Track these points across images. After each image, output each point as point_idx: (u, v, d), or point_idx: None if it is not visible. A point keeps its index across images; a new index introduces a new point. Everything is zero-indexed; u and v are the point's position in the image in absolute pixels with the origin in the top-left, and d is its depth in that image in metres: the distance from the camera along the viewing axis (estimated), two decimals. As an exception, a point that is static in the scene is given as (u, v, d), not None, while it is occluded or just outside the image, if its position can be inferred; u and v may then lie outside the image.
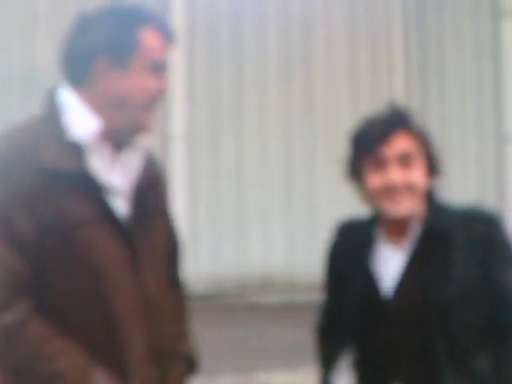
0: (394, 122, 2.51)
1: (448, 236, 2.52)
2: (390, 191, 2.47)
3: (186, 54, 9.87)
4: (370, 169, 2.51)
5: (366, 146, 2.51)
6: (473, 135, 11.09)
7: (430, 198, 2.59)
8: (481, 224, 2.55)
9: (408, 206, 2.48)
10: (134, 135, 2.37)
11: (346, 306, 2.60)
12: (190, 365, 2.55)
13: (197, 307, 10.01)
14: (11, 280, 2.17)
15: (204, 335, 7.58)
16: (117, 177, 2.33)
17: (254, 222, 10.07)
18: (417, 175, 2.48)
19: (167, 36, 2.36)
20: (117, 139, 2.34)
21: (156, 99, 2.35)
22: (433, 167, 2.55)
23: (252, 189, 10.14)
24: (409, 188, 2.47)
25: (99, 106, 2.32)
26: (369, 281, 2.57)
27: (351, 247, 2.64)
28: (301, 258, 9.87)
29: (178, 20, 9.85)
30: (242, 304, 9.47)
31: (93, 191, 2.25)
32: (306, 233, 10.01)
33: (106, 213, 2.27)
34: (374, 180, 2.49)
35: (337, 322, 2.66)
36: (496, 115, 11.32)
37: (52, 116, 2.32)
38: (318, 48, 10.52)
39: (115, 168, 2.34)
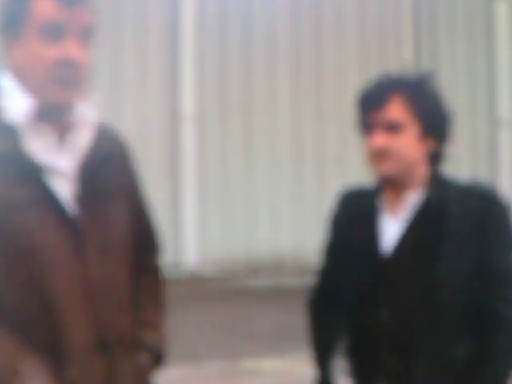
0: (388, 88, 2.55)
1: (445, 209, 2.53)
2: (374, 154, 2.55)
3: (196, 34, 9.88)
4: (366, 133, 2.60)
5: (362, 112, 2.60)
6: (466, 118, 11.07)
7: (434, 167, 2.61)
8: (480, 200, 2.55)
9: (388, 169, 2.53)
10: (60, 112, 2.24)
11: (343, 268, 2.63)
12: (155, 356, 2.43)
13: (206, 290, 9.93)
14: None
15: (213, 317, 7.67)
16: (62, 158, 2.24)
17: (264, 205, 10.08)
18: (402, 142, 2.52)
19: (64, 0, 2.18)
20: (53, 118, 2.23)
21: (59, 68, 2.16)
22: (427, 131, 2.55)
23: (261, 170, 10.15)
24: (389, 153, 2.52)
25: (20, 83, 2.24)
26: (368, 246, 2.59)
27: (354, 215, 2.68)
28: (310, 241, 9.63)
29: (187, 6, 9.85)
30: (251, 287, 9.44)
31: (29, 173, 2.18)
32: (315, 216, 9.83)
33: (44, 194, 2.19)
34: (367, 143, 2.58)
35: (332, 297, 2.68)
36: (489, 98, 11.30)
37: None
38: (328, 26, 10.52)
39: (61, 149, 2.25)
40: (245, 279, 9.62)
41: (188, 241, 9.77)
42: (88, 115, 2.32)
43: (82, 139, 2.29)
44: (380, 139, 2.52)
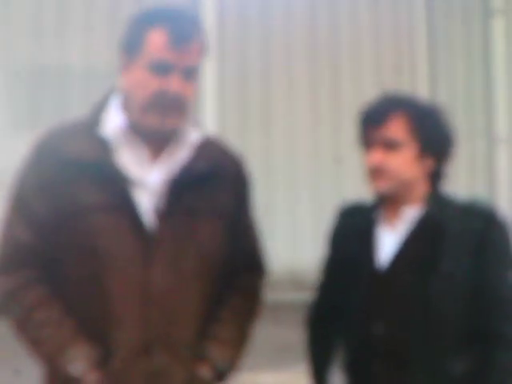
0: (389, 106, 2.58)
1: (443, 227, 2.54)
2: (370, 171, 2.59)
3: (217, 51, 9.89)
4: (364, 149, 2.64)
5: (362, 128, 2.63)
6: (463, 135, 11.06)
7: (433, 185, 2.63)
8: (478, 219, 2.56)
9: (382, 187, 2.57)
10: (152, 135, 2.39)
11: (340, 282, 2.65)
12: (218, 372, 2.45)
13: None
14: (19, 251, 2.37)
15: None
16: (152, 172, 2.38)
17: (283, 217, 10.17)
18: (399, 161, 2.54)
19: (175, 37, 2.34)
20: (148, 135, 2.39)
21: (158, 99, 2.34)
22: (426, 150, 2.57)
23: (280, 182, 10.24)
24: (385, 171, 2.55)
25: (124, 102, 2.44)
26: (365, 260, 2.61)
27: (351, 230, 2.70)
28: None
29: (208, 20, 9.91)
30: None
31: (113, 182, 2.34)
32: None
33: (122, 203, 2.33)
34: (365, 159, 2.62)
35: (330, 312, 2.68)
36: (486, 116, 11.32)
37: (94, 113, 2.46)
38: (344, 37, 10.58)
39: (154, 164, 2.40)
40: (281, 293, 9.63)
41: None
42: (189, 136, 2.45)
43: (178, 157, 2.42)
44: (377, 157, 2.55)
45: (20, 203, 2.41)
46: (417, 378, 2.51)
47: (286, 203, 10.23)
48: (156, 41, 2.35)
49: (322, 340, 2.77)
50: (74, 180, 2.34)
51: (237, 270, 2.56)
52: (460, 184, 10.71)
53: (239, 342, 2.53)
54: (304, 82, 10.39)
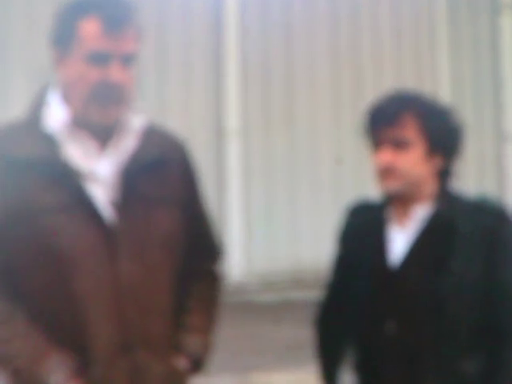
0: (399, 106, 2.56)
1: (454, 224, 2.53)
2: (380, 171, 2.59)
3: (239, 52, 10.08)
4: (374, 148, 2.63)
5: (371, 127, 2.62)
6: (472, 133, 11.06)
7: (442, 183, 2.62)
8: (489, 217, 2.54)
9: (392, 187, 2.56)
10: (97, 126, 2.32)
11: (350, 281, 2.63)
12: (195, 361, 2.44)
13: (248, 302, 9.78)
14: None
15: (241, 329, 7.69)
16: (102, 164, 2.32)
17: (307, 217, 10.16)
18: (408, 160, 2.54)
19: (109, 24, 2.27)
20: (93, 127, 2.32)
21: (100, 90, 2.28)
22: (435, 148, 2.56)
23: (304, 183, 10.25)
24: (394, 171, 2.54)
25: (63, 96, 2.36)
26: (376, 258, 2.60)
27: (362, 228, 2.69)
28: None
29: (231, 19, 10.06)
30: (294, 300, 9.44)
31: (65, 178, 2.25)
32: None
33: (79, 199, 2.25)
34: (374, 159, 2.62)
35: (339, 311, 2.68)
36: (495, 113, 11.32)
37: (33, 110, 2.37)
38: (366, 41, 10.64)
39: (102, 155, 2.33)
40: (287, 291, 9.67)
41: (233, 253, 9.90)
42: (133, 123, 2.40)
43: (124, 146, 2.36)
44: (386, 156, 2.54)
45: None
46: (428, 377, 2.49)
47: (309, 202, 10.25)
48: (90, 30, 2.27)
49: (331, 339, 2.75)
50: (23, 181, 2.24)
51: (195, 256, 2.51)
52: (469, 180, 10.74)
53: (210, 328, 2.50)
54: (326, 83, 10.41)
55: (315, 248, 9.96)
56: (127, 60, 2.31)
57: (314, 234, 10.14)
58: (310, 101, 10.30)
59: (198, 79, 10.01)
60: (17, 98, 8.74)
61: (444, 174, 2.62)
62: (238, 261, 9.98)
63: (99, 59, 2.27)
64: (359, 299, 2.60)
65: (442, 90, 10.76)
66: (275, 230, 10.20)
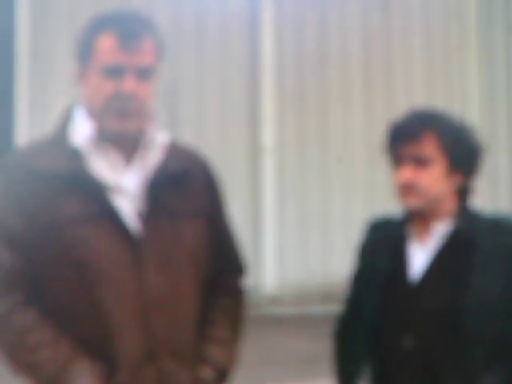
0: (420, 123, 2.56)
1: (474, 242, 2.54)
2: (400, 188, 2.59)
3: (275, 71, 10.26)
4: (394, 164, 2.64)
5: (392, 144, 2.63)
6: (505, 150, 11.06)
7: (462, 200, 2.63)
8: (508, 235, 2.56)
9: (413, 204, 2.57)
10: (116, 138, 2.36)
11: (369, 296, 2.63)
12: (219, 372, 2.43)
13: (280, 314, 9.73)
14: (3, 276, 2.27)
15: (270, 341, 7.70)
16: (128, 177, 2.35)
17: (339, 231, 10.22)
18: (429, 177, 2.54)
19: (122, 37, 2.30)
20: (118, 141, 2.36)
21: (114, 101, 2.31)
22: (455, 166, 2.57)
23: (337, 198, 10.35)
24: (415, 188, 2.55)
25: (87, 111, 2.41)
26: (395, 273, 2.61)
27: (381, 243, 2.70)
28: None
29: (267, 39, 10.25)
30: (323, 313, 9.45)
31: (91, 191, 2.28)
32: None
33: (105, 211, 2.28)
34: (395, 175, 2.62)
35: (358, 325, 2.66)
36: (508, 129, 11.22)
37: (60, 126, 2.42)
38: (397, 56, 10.72)
39: (127, 168, 2.37)
40: (319, 305, 9.71)
41: (267, 266, 10.04)
42: (157, 138, 2.42)
43: (150, 159, 2.39)
44: (407, 173, 2.55)
45: None
46: None
47: (342, 216, 10.31)
48: (105, 45, 2.32)
49: (349, 353, 2.74)
50: (50, 194, 2.27)
51: (220, 271, 2.54)
52: (483, 198, 10.65)
53: (235, 341, 2.51)
54: (359, 100, 10.51)
55: (347, 262, 10.02)
56: (142, 73, 2.34)
57: (347, 248, 10.15)
58: (344, 119, 10.40)
59: (236, 99, 10.19)
60: (58, 109, 8.87)
61: (463, 192, 2.63)
62: (272, 273, 10.07)
63: (113, 72, 2.31)
64: (377, 313, 2.60)
65: (471, 105, 10.73)
66: (308, 243, 10.28)
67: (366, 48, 10.59)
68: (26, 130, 9.35)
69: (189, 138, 9.44)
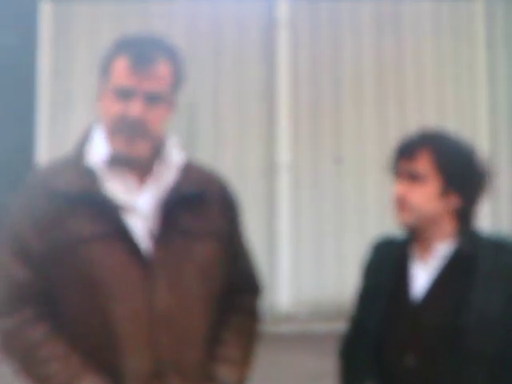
0: (419, 141, 2.60)
1: (475, 262, 2.54)
2: (394, 203, 2.62)
3: (290, 90, 10.34)
4: (394, 180, 2.67)
5: (393, 160, 2.67)
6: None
7: (461, 222, 2.63)
8: (509, 255, 2.56)
9: (405, 219, 2.60)
10: (125, 161, 2.38)
11: (373, 314, 2.65)
12: None
13: (295, 331, 9.66)
14: (16, 290, 2.31)
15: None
16: (142, 197, 2.38)
17: (353, 248, 10.18)
18: (418, 194, 2.56)
19: (134, 61, 2.33)
20: (130, 162, 2.39)
21: (120, 124, 2.35)
22: (450, 186, 2.56)
23: (351, 216, 10.39)
24: (407, 204, 2.58)
25: (104, 131, 2.45)
26: (398, 292, 2.63)
27: (385, 263, 2.72)
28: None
29: (283, 59, 10.33)
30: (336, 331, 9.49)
31: (105, 211, 2.31)
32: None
33: (118, 230, 2.31)
34: (392, 190, 2.65)
35: (362, 343, 2.67)
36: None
37: (78, 146, 2.46)
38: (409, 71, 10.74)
39: (141, 189, 2.40)
40: (333, 322, 9.74)
41: (282, 282, 10.08)
42: (172, 158, 2.45)
43: (164, 180, 2.41)
44: (401, 188, 2.58)
45: (14, 241, 2.35)
46: None
47: (357, 233, 10.27)
48: (119, 67, 2.35)
49: (353, 370, 2.74)
50: (65, 213, 2.31)
51: (235, 290, 2.55)
52: (484, 218, 10.60)
53: (245, 362, 2.51)
54: (373, 119, 10.55)
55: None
56: (152, 98, 2.36)
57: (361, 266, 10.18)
58: (357, 138, 10.47)
59: (252, 117, 10.31)
60: (78, 126, 9.00)
61: (462, 213, 2.62)
62: (287, 290, 10.10)
63: (123, 94, 2.34)
64: (380, 331, 2.61)
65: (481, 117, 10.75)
66: (323, 260, 10.32)
67: (379, 67, 10.65)
68: (46, 147, 9.45)
69: (206, 155, 9.55)
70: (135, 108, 2.33)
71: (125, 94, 2.34)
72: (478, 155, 2.65)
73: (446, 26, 10.88)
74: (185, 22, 10.09)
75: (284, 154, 10.27)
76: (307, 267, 10.27)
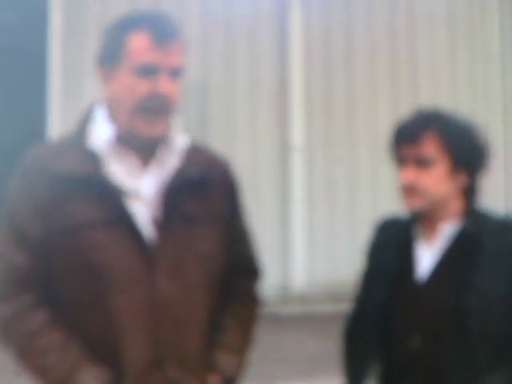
0: (421, 124, 2.55)
1: (479, 242, 2.52)
2: (403, 189, 2.59)
3: (304, 72, 10.33)
4: (397, 165, 2.64)
5: (395, 145, 2.63)
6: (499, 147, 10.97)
7: (468, 199, 2.61)
8: None
9: (415, 205, 2.56)
10: (143, 141, 2.33)
11: (377, 295, 2.63)
12: (228, 380, 2.41)
13: (310, 312, 9.75)
14: (15, 275, 2.25)
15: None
16: (144, 181, 2.32)
17: (367, 230, 10.22)
18: (431, 178, 2.52)
19: (157, 37, 2.27)
20: (137, 144, 2.34)
21: (149, 101, 2.28)
22: (458, 166, 2.54)
23: (365, 196, 10.43)
24: (417, 189, 2.54)
25: (109, 113, 2.37)
26: (402, 273, 2.60)
27: (389, 244, 2.69)
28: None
29: (295, 41, 10.29)
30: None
31: (106, 195, 2.25)
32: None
33: (119, 215, 2.25)
34: (398, 176, 2.62)
35: (366, 324, 2.66)
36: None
37: (79, 127, 2.38)
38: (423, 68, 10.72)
39: (144, 172, 2.34)
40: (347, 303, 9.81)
41: (296, 265, 10.09)
42: (176, 142, 2.39)
43: (168, 164, 2.36)
44: (409, 174, 2.53)
45: (12, 226, 2.28)
46: None
47: (370, 215, 10.30)
48: (139, 43, 2.27)
49: (357, 353, 2.72)
50: (66, 196, 2.24)
51: (234, 274, 2.51)
52: (497, 197, 10.58)
53: (245, 348, 2.48)
54: (385, 102, 10.56)
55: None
56: (175, 73, 2.31)
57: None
58: (370, 119, 10.46)
59: (264, 100, 10.31)
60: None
61: (469, 191, 2.61)
62: (301, 272, 10.12)
63: (148, 71, 2.27)
64: (385, 312, 2.59)
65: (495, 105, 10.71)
66: (337, 242, 10.34)
67: (392, 49, 10.64)
68: (58, 131, 9.46)
69: (219, 140, 9.55)
70: (165, 84, 2.27)
71: (150, 71, 2.27)
72: (479, 129, 2.62)
73: (459, 8, 10.84)
74: (198, 7, 10.08)
75: (297, 138, 10.25)
76: (321, 249, 10.29)
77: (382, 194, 10.34)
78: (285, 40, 10.28)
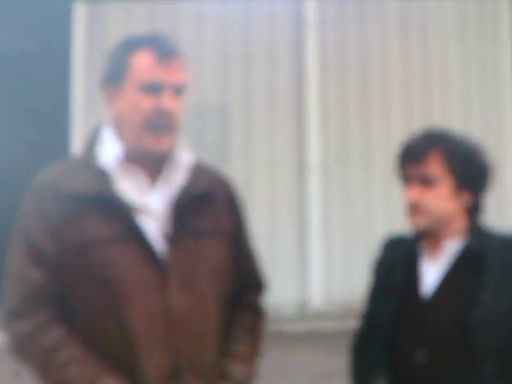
0: (427, 143, 2.58)
1: (483, 259, 2.55)
2: (408, 207, 2.64)
3: (320, 93, 10.40)
4: (403, 183, 2.68)
5: (401, 163, 2.67)
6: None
7: (472, 218, 2.64)
8: None
9: (420, 223, 2.60)
10: (150, 157, 2.38)
11: (384, 311, 2.66)
12: None
13: (325, 329, 9.71)
14: (31, 292, 2.29)
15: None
16: (153, 197, 2.37)
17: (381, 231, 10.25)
18: (435, 197, 2.56)
19: (161, 55, 2.33)
20: (145, 161, 2.39)
21: (154, 118, 2.33)
22: (463, 185, 2.57)
23: (380, 216, 10.46)
24: (422, 208, 2.58)
25: (116, 132, 2.43)
26: (408, 289, 2.64)
27: (395, 260, 2.74)
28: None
29: (311, 62, 10.42)
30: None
31: (118, 212, 2.30)
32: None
33: (131, 232, 2.30)
34: (404, 195, 2.67)
35: (373, 340, 2.69)
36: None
37: (88, 147, 2.44)
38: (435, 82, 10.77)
39: (153, 188, 2.40)
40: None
41: (314, 283, 10.15)
42: (181, 159, 2.45)
43: (175, 180, 2.41)
44: (414, 193, 2.58)
45: (26, 244, 2.32)
46: None
47: (385, 233, 10.31)
48: (143, 62, 2.34)
49: (364, 367, 2.75)
50: (78, 214, 2.29)
51: (241, 288, 2.58)
52: (491, 215, 10.45)
53: (254, 358, 2.55)
54: (399, 121, 10.57)
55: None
56: (178, 90, 2.37)
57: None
58: (385, 140, 10.49)
59: (282, 121, 10.39)
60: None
61: (473, 210, 2.64)
62: (318, 289, 10.19)
63: (153, 88, 2.33)
64: (392, 328, 2.62)
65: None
66: (353, 259, 10.36)
67: (405, 65, 10.68)
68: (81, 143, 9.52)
69: (237, 156, 9.67)
70: (168, 101, 2.34)
71: (154, 88, 2.33)
72: (483, 149, 2.66)
73: (471, 23, 10.87)
74: (215, 22, 10.19)
75: (314, 158, 10.35)
76: (338, 266, 10.34)
77: (396, 212, 10.36)
78: (301, 63, 10.38)
